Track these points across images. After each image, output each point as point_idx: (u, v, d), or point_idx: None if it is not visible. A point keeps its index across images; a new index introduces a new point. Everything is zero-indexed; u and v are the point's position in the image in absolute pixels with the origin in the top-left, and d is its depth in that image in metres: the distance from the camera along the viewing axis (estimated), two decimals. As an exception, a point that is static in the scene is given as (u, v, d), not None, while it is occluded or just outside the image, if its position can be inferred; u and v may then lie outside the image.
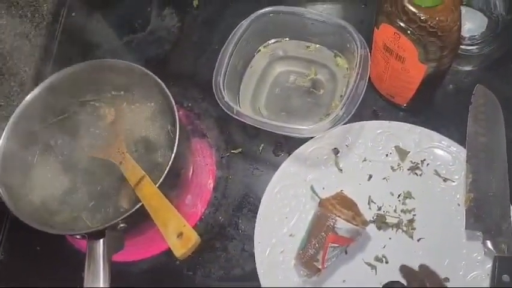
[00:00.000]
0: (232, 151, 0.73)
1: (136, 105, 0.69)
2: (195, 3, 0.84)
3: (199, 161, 0.73)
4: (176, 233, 0.52)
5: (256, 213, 0.66)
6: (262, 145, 0.72)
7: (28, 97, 0.66)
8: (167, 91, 0.63)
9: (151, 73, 0.64)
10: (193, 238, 0.51)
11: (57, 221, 0.64)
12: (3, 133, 0.64)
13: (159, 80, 0.64)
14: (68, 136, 0.70)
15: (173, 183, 0.65)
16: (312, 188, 0.65)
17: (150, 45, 0.82)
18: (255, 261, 0.64)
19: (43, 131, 0.68)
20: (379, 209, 0.65)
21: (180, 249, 0.51)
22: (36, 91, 0.66)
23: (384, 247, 0.63)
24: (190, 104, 0.77)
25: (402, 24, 0.55)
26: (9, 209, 0.60)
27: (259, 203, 0.67)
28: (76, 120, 0.70)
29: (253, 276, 0.64)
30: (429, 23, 0.54)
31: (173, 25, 0.83)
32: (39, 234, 0.70)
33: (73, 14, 0.87)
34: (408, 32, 0.56)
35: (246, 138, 0.73)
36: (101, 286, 0.55)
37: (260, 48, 0.73)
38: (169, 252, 0.67)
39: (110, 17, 0.85)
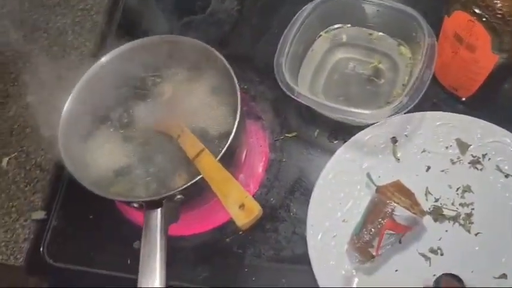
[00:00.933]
0: (287, 134, 0.73)
1: (197, 82, 0.69)
2: (256, -14, 0.84)
3: (253, 143, 0.73)
4: (238, 203, 0.52)
5: (309, 197, 0.66)
6: (317, 130, 0.72)
7: (93, 66, 0.67)
8: (231, 71, 0.63)
9: (217, 52, 0.64)
10: (255, 209, 0.51)
11: (112, 191, 0.65)
12: (68, 99, 0.66)
13: (223, 59, 0.64)
14: (128, 109, 0.71)
15: (228, 161, 0.65)
16: (368, 175, 0.65)
17: (209, 27, 0.83)
18: (305, 244, 0.64)
19: (104, 101, 0.70)
20: (436, 200, 0.64)
21: (243, 219, 0.51)
22: (102, 61, 0.67)
23: (440, 239, 0.61)
24: (246, 86, 0.77)
25: (478, 11, 0.54)
26: (70, 171, 0.61)
27: (312, 187, 0.67)
28: (137, 93, 0.72)
29: (303, 259, 0.64)
30: (507, 11, 0.52)
31: (233, 8, 0.84)
32: (93, 203, 0.72)
33: (134, -7, 0.89)
34: (484, 19, 0.55)
35: (302, 122, 0.73)
36: (158, 254, 0.55)
37: (322, 33, 0.73)
38: (219, 229, 0.69)
39: (172, -3, 0.86)
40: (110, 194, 0.62)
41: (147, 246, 0.56)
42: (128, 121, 0.70)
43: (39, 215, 0.73)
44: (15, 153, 0.77)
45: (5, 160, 0.77)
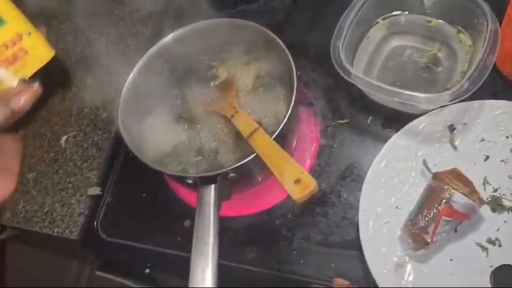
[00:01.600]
0: (339, 121, 0.72)
1: (253, 65, 0.70)
2: (310, -24, 0.85)
3: (304, 128, 0.73)
4: (294, 179, 0.52)
5: (360, 183, 0.65)
6: (370, 118, 0.71)
7: (153, 48, 0.69)
8: (289, 55, 0.63)
9: (275, 36, 0.65)
10: (311, 184, 0.51)
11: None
12: (128, 79, 0.68)
13: (282, 43, 0.64)
14: (182, 89, 0.73)
15: (280, 144, 0.66)
16: (424, 163, 0.64)
17: (263, 15, 0.84)
18: (355, 229, 0.64)
19: (161, 82, 0.72)
20: (495, 190, 0.61)
21: (299, 193, 0.51)
22: (161, 42, 0.69)
23: (498, 230, 0.59)
24: (299, 73, 0.76)
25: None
26: (128, 147, 0.62)
27: (364, 174, 0.66)
28: (191, 76, 0.73)
29: (352, 244, 0.63)
30: None
31: (287, -3, 0.85)
32: (146, 182, 0.74)
33: (190, -18, 0.91)
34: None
35: (354, 110, 0.72)
36: (211, 227, 0.56)
37: (378, 20, 0.72)
38: (269, 211, 0.69)
39: (227, -15, 0.87)
40: (168, 169, 0.63)
41: (201, 220, 0.57)
42: (182, 102, 0.72)
43: (95, 191, 0.75)
44: (74, 132, 0.80)
45: (64, 138, 0.81)
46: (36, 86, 0.45)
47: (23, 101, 0.43)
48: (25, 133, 0.82)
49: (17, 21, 0.54)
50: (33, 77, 0.53)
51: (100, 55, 0.86)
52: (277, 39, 0.65)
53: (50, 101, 0.85)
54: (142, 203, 0.74)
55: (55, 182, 0.77)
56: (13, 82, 0.49)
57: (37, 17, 0.67)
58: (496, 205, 0.60)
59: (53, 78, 0.86)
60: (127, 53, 0.84)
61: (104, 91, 0.82)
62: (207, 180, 0.59)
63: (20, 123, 0.51)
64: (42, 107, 0.85)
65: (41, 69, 0.56)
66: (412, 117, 0.67)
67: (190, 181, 0.62)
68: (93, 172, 0.77)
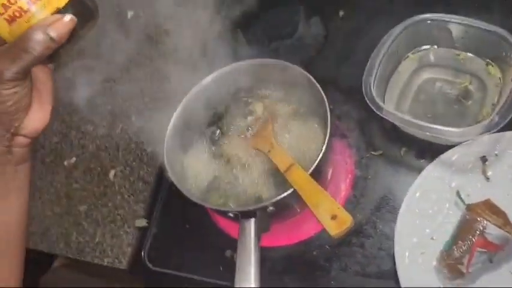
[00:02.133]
0: (373, 152, 0.75)
1: (287, 101, 0.74)
2: (341, 13, 0.88)
3: (339, 160, 0.76)
4: (330, 214, 0.55)
5: (395, 214, 0.67)
6: (404, 149, 0.73)
7: (194, 89, 0.75)
8: (321, 90, 0.67)
9: (307, 73, 0.69)
10: (348, 220, 0.53)
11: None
12: (173, 117, 0.73)
13: (313, 79, 0.68)
14: (221, 125, 0.77)
15: (316, 178, 0.68)
16: (458, 194, 0.65)
17: (296, 51, 0.88)
18: (391, 260, 0.65)
19: (201, 118, 0.76)
20: (530, 221, 0.62)
21: (335, 229, 0.54)
22: (201, 83, 0.74)
23: (534, 261, 0.60)
24: (331, 106, 0.80)
25: None
26: (174, 182, 0.67)
27: (399, 204, 0.68)
28: (230, 112, 0.78)
29: (389, 275, 0.65)
30: None
31: (319, 33, 0.88)
32: (189, 213, 0.78)
33: (228, 22, 0.96)
34: None
35: (387, 141, 0.75)
36: (253, 258, 0.59)
37: (408, 54, 0.75)
38: (306, 242, 0.72)
39: (261, 25, 0.92)
40: (210, 204, 0.67)
41: (242, 251, 0.60)
42: (221, 137, 0.77)
43: (142, 222, 0.80)
44: (121, 167, 0.86)
45: (112, 172, 0.86)
46: (69, 17, 0.45)
47: (60, 29, 0.44)
48: (76, 167, 0.89)
49: None
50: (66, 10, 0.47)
51: (144, 94, 0.92)
52: (309, 75, 0.69)
53: (99, 136, 0.91)
54: (186, 234, 0.78)
55: (105, 215, 0.83)
56: (45, 14, 0.46)
57: None
58: (532, 236, 0.61)
59: (102, 115, 0.93)
60: (169, 92, 0.90)
61: (149, 128, 0.88)
62: (247, 214, 0.63)
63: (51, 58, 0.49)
64: (93, 142, 0.91)
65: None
66: (445, 148, 0.69)
67: (231, 214, 0.66)
68: (140, 205, 0.82)
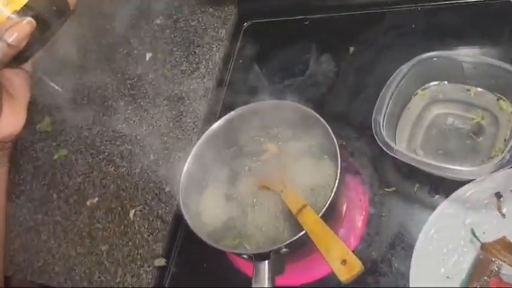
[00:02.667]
0: (386, 189, 0.75)
1: (299, 140, 0.75)
2: (351, 49, 0.90)
3: (353, 197, 0.76)
4: (340, 259, 0.55)
5: (410, 252, 0.67)
6: (417, 185, 0.73)
7: (207, 131, 0.77)
8: (330, 130, 0.68)
9: (316, 114, 0.70)
10: (357, 266, 0.54)
11: (222, 244, 0.72)
12: (188, 159, 0.75)
13: (323, 120, 0.69)
14: (234, 165, 0.79)
15: (329, 216, 0.69)
16: (472, 232, 0.65)
17: (308, 88, 0.89)
18: (408, 299, 0.65)
19: (216, 159, 0.78)
20: (548, 259, 0.61)
21: (345, 275, 0.54)
22: (215, 126, 0.76)
23: (554, 301, 0.59)
24: (344, 143, 0.81)
25: None
26: (188, 224, 0.69)
27: (413, 242, 0.68)
28: (243, 152, 0.79)
29: (406, 314, 0.65)
30: None
31: (330, 70, 0.90)
32: (206, 253, 0.79)
33: (240, 61, 0.99)
34: None
35: (400, 177, 0.75)
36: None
37: (418, 91, 0.76)
38: (322, 281, 0.72)
39: (274, 62, 0.94)
40: (224, 246, 0.68)
41: (257, 294, 0.61)
42: (234, 177, 0.78)
43: (160, 262, 0.82)
44: (140, 206, 0.89)
45: (132, 212, 0.89)
46: (26, 20, 0.43)
47: (17, 34, 0.43)
48: (98, 207, 0.92)
49: None
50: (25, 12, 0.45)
51: (161, 133, 0.95)
52: (317, 115, 0.71)
53: (120, 176, 0.94)
54: (203, 273, 0.79)
55: (125, 254, 0.85)
56: (7, 11, 0.44)
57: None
58: (551, 274, 0.60)
59: (123, 155, 0.96)
60: (186, 132, 0.93)
61: (166, 167, 0.91)
62: (261, 256, 0.64)
63: (22, 60, 0.49)
64: (114, 182, 0.94)
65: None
66: (458, 183, 0.69)
67: (245, 256, 0.67)
68: (158, 244, 0.84)
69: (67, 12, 0.50)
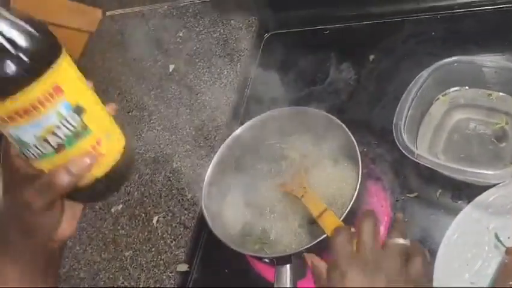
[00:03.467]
0: (408, 195, 0.75)
1: (320, 146, 0.76)
2: (371, 57, 0.91)
3: (374, 203, 0.76)
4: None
5: (433, 257, 0.66)
6: (439, 191, 0.72)
7: (230, 138, 0.78)
8: (351, 136, 0.69)
9: (337, 120, 0.71)
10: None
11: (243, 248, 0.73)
12: (210, 164, 0.76)
13: (344, 126, 0.70)
14: (255, 172, 0.80)
15: (350, 221, 0.69)
16: (496, 236, 0.64)
17: (328, 96, 0.90)
18: (432, 305, 0.64)
19: (237, 166, 0.80)
20: None
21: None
22: (236, 132, 0.78)
23: None
24: (365, 149, 0.81)
25: None
26: (212, 230, 0.70)
27: (437, 247, 0.67)
28: (263, 159, 0.80)
29: (429, 321, 0.64)
30: None
31: (350, 77, 0.91)
32: (227, 258, 0.80)
33: (261, 70, 1.01)
34: None
35: (422, 183, 0.75)
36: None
37: (439, 96, 0.76)
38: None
39: (294, 72, 0.95)
40: (246, 250, 0.69)
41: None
42: (254, 184, 0.79)
43: (183, 267, 0.83)
44: (163, 213, 0.90)
45: (155, 218, 0.90)
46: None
47: (79, 166, 0.45)
48: (123, 214, 0.94)
49: (100, 126, 0.47)
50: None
51: (184, 141, 0.97)
52: (338, 120, 0.72)
53: (143, 183, 0.96)
54: (225, 278, 0.79)
55: (149, 260, 0.86)
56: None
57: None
58: None
59: (147, 162, 0.98)
60: (208, 139, 0.95)
61: (188, 175, 0.92)
62: (282, 260, 0.64)
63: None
64: (137, 189, 0.96)
65: None
66: (482, 188, 0.68)
67: (266, 260, 0.68)
68: (181, 249, 0.85)
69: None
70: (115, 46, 1.21)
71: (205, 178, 0.75)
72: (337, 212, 0.66)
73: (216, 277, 0.81)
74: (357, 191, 0.65)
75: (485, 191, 0.68)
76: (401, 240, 0.50)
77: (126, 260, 0.89)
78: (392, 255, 0.49)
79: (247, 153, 0.80)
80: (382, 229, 0.73)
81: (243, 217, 0.76)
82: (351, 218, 0.68)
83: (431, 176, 0.74)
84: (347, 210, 0.63)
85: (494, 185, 0.67)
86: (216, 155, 0.77)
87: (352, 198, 0.65)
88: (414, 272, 0.47)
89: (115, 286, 0.87)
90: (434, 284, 0.64)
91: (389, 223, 0.74)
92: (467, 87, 0.75)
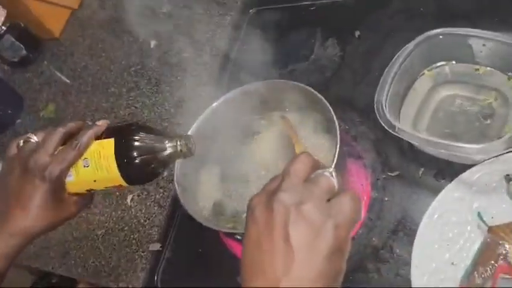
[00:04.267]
0: (389, 173, 0.71)
1: (301, 122, 0.73)
2: (357, 34, 0.87)
3: (354, 181, 0.73)
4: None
5: (413, 237, 0.63)
6: (422, 169, 0.69)
7: (206, 111, 0.75)
8: (331, 110, 0.65)
9: (318, 93, 0.67)
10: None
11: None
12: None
13: (323, 99, 0.67)
14: (231, 147, 0.76)
15: (329, 199, 0.66)
16: (479, 215, 0.61)
17: (312, 73, 0.87)
18: (409, 286, 0.61)
19: (214, 140, 0.76)
20: (561, 245, 0.57)
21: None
22: (213, 106, 0.74)
23: None
24: (347, 127, 0.78)
25: None
26: (184, 206, 0.67)
27: (417, 227, 0.64)
28: (241, 132, 0.77)
29: (407, 303, 0.61)
30: None
31: (335, 54, 0.87)
32: (201, 238, 0.77)
33: (244, 46, 0.97)
34: None
35: (405, 161, 0.71)
36: None
37: (424, 71, 0.72)
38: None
39: (277, 48, 0.91)
40: (217, 226, 0.66)
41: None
42: (231, 159, 0.75)
43: (156, 246, 0.80)
44: (138, 191, 0.87)
45: (130, 197, 0.87)
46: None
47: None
48: (96, 193, 0.90)
49: None
50: None
51: (162, 119, 0.94)
52: (318, 94, 0.68)
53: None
54: (199, 258, 0.76)
55: (121, 239, 0.83)
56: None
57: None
58: None
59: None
60: (187, 118, 0.91)
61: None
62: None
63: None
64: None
65: None
66: (466, 167, 0.65)
67: (238, 237, 0.65)
68: (154, 229, 0.81)
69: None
70: (97, 22, 1.17)
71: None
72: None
73: (189, 257, 0.78)
74: (333, 166, 0.61)
75: (468, 169, 0.65)
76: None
77: (98, 239, 0.85)
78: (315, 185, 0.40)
79: (224, 127, 0.76)
80: (363, 209, 0.71)
81: (217, 194, 0.73)
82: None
83: (414, 155, 0.71)
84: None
85: (478, 163, 0.64)
86: (192, 129, 0.74)
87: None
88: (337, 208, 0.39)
89: (86, 265, 0.83)
90: (412, 265, 0.61)
91: (368, 203, 0.71)
92: (454, 62, 0.72)
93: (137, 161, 0.52)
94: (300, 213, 0.37)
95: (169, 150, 0.54)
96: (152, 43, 1.05)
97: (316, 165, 0.41)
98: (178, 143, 0.54)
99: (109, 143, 0.52)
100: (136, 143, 0.52)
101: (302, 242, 0.37)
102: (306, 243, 0.37)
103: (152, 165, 0.53)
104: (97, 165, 0.52)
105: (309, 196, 0.38)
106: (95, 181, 0.53)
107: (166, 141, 0.54)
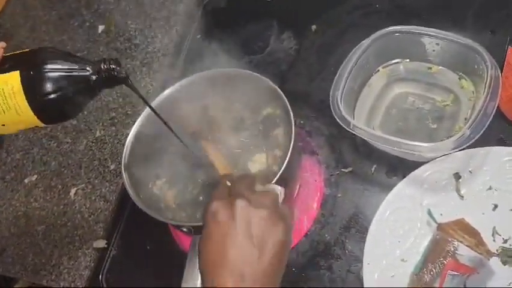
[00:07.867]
0: (343, 170, 0.71)
1: (255, 114, 0.71)
2: (314, 28, 0.86)
3: (308, 177, 0.72)
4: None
5: (365, 234, 0.64)
6: (374, 166, 0.70)
7: (155, 100, 0.71)
8: (287, 103, 0.64)
9: (274, 85, 0.66)
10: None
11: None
12: (131, 132, 0.69)
13: (281, 92, 0.65)
14: (181, 136, 0.73)
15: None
16: (429, 212, 0.62)
17: (267, 66, 0.85)
18: (360, 283, 0.61)
19: (164, 132, 0.72)
20: (505, 241, 0.59)
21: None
22: (163, 94, 0.71)
23: (510, 284, 0.56)
24: (302, 122, 0.77)
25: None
26: (130, 195, 0.63)
27: (369, 224, 0.64)
28: (195, 123, 0.74)
29: (358, 299, 0.61)
30: None
31: (291, 47, 0.86)
32: (150, 234, 0.74)
33: (198, 36, 0.94)
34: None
35: (358, 158, 0.71)
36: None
37: (379, 68, 0.73)
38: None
39: (232, 39, 0.89)
40: (162, 217, 0.63)
41: (191, 269, 0.56)
42: (184, 151, 0.72)
43: (101, 243, 0.76)
44: (83, 185, 0.82)
45: (73, 191, 0.82)
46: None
47: None
48: (37, 186, 0.85)
49: None
50: None
51: (109, 109, 0.89)
52: (275, 86, 0.66)
53: (62, 153, 0.87)
54: (147, 255, 0.73)
55: (63, 235, 0.78)
56: None
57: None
58: (507, 257, 0.57)
59: (67, 130, 0.89)
60: (135, 107, 0.87)
61: (113, 144, 0.85)
62: (199, 230, 0.59)
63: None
64: (55, 158, 0.87)
65: None
66: (417, 165, 0.66)
67: (185, 229, 0.62)
68: (99, 225, 0.77)
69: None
70: (39, 4, 1.09)
71: (127, 141, 0.68)
72: (269, 178, 0.61)
73: (137, 254, 0.75)
74: (287, 160, 0.60)
75: (420, 166, 0.65)
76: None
77: (38, 235, 0.80)
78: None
79: (175, 118, 0.73)
80: (316, 205, 0.70)
81: (165, 187, 0.70)
82: (284, 186, 0.64)
83: (367, 151, 0.71)
84: (274, 180, 0.58)
85: (430, 161, 0.65)
86: (138, 120, 0.70)
87: (282, 166, 0.60)
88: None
89: (24, 263, 0.78)
90: (364, 262, 0.62)
91: (321, 199, 0.70)
92: (407, 60, 0.72)
93: (52, 95, 0.44)
94: (258, 215, 0.45)
95: (91, 78, 0.46)
96: (100, 28, 0.99)
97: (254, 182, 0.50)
98: (102, 67, 0.46)
99: (14, 77, 0.44)
100: (49, 73, 0.44)
101: (261, 240, 0.45)
102: (264, 241, 0.45)
103: (72, 98, 0.45)
104: (2, 106, 0.44)
105: (262, 204, 0.46)
106: (3, 125, 0.45)
107: (87, 67, 0.46)
